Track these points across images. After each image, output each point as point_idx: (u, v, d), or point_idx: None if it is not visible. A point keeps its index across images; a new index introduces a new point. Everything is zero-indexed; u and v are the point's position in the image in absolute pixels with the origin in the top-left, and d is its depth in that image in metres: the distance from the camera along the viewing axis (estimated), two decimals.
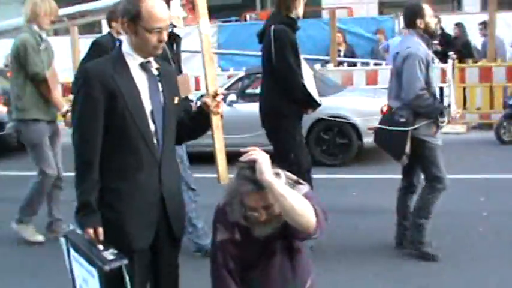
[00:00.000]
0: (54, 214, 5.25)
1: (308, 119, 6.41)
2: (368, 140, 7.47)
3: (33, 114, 4.97)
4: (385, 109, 7.29)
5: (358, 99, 8.33)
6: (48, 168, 5.01)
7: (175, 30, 4.49)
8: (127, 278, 2.48)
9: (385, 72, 8.96)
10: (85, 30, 15.02)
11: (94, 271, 2.45)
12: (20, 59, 4.94)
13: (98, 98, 2.51)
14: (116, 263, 2.42)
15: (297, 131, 4.68)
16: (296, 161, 4.50)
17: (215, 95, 2.70)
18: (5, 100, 9.10)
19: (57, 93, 5.14)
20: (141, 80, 2.62)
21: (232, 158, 2.70)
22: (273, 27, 4.49)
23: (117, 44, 4.09)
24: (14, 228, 5.17)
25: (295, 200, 2.39)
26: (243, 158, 2.50)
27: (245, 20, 16.31)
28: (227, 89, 8.38)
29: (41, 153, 5.01)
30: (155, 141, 2.63)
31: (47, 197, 5.19)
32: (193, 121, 2.84)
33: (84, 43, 10.48)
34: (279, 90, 4.51)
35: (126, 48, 2.64)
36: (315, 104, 4.67)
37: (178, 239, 2.85)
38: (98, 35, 6.94)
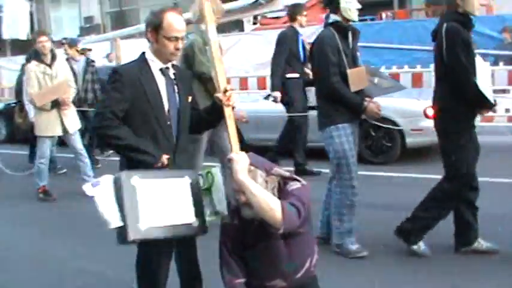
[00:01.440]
0: None
1: None
2: (412, 140, 7.70)
3: None
4: (429, 111, 7.45)
5: (402, 101, 8.32)
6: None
7: (352, 24, 4.63)
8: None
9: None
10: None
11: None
12: (188, 58, 5.22)
13: (125, 92, 3.09)
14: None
15: (465, 133, 4.41)
16: (454, 164, 4.37)
17: (225, 91, 3.19)
18: None
19: None
20: (161, 82, 3.20)
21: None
22: (445, 25, 4.34)
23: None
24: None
25: (261, 197, 2.74)
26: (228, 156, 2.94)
27: (380, 18, 16.52)
28: None
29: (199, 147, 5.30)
30: (171, 132, 3.23)
31: None
32: (210, 114, 3.38)
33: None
34: (450, 90, 4.36)
35: (149, 54, 3.23)
36: (488, 104, 4.40)
37: None
38: None
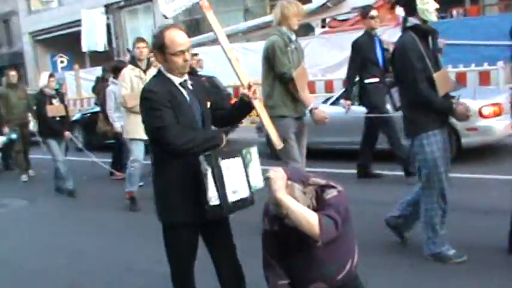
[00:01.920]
0: None
1: None
2: (467, 140, 7.51)
3: (281, 111, 5.21)
4: (484, 110, 7.43)
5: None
6: (293, 161, 5.22)
7: (430, 25, 4.46)
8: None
9: None
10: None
11: None
12: (269, 60, 5.21)
13: (165, 105, 3.20)
14: None
15: None
16: None
17: (249, 86, 3.41)
18: None
19: (304, 91, 5.35)
20: (184, 94, 3.31)
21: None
22: None
23: None
24: None
25: (299, 214, 2.86)
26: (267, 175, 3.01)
27: (451, 16, 16.23)
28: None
29: (286, 147, 5.09)
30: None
31: None
32: (238, 109, 3.54)
33: None
34: None
35: (165, 73, 3.32)
36: None
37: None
38: None
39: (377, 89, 7.02)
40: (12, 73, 10.33)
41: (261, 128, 9.35)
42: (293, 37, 5.30)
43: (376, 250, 4.75)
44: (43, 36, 28.85)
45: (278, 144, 3.77)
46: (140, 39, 7.47)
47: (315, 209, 2.99)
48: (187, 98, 3.31)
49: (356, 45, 7.31)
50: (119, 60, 12.18)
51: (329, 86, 12.60)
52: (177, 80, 3.30)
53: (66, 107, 8.98)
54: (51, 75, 8.88)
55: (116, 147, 9.51)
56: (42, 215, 7.76)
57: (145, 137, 6.45)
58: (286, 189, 2.96)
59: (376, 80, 7.09)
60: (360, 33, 7.55)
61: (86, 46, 23.97)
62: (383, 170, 7.52)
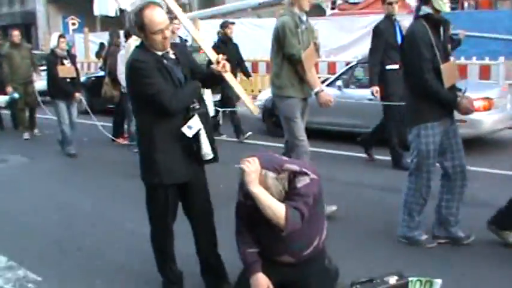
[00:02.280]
0: None
1: None
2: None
3: (288, 92, 5.23)
4: (474, 103, 7.22)
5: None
6: (298, 141, 5.25)
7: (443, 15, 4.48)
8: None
9: None
10: None
11: None
12: (279, 40, 5.19)
13: (154, 73, 3.39)
14: None
15: None
16: None
17: (217, 62, 3.64)
18: None
19: (312, 72, 5.31)
20: (167, 64, 3.47)
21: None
22: None
23: None
24: None
25: (268, 207, 3.11)
26: (239, 164, 3.20)
27: (462, 7, 16.23)
28: (341, 74, 9.19)
29: (292, 126, 5.28)
30: None
31: None
32: (212, 79, 3.77)
33: None
34: None
35: (148, 48, 3.47)
36: None
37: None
38: None
39: (397, 75, 6.77)
40: (16, 33, 10.43)
41: (259, 105, 9.52)
42: (304, 18, 5.29)
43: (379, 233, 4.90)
44: None
45: (254, 110, 4.09)
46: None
47: (286, 193, 3.21)
48: (171, 68, 3.50)
49: (378, 30, 7.18)
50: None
51: (332, 68, 12.71)
52: (159, 52, 3.48)
53: (77, 69, 9.12)
54: (61, 36, 9.00)
55: (118, 112, 9.69)
56: (40, 172, 8.01)
57: None
58: (260, 177, 3.16)
59: (397, 66, 6.90)
60: (369, 17, 7.39)
61: (97, 10, 23.89)
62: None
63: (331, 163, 7.48)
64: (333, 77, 9.42)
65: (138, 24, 3.41)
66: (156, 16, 3.37)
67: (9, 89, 10.22)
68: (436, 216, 4.69)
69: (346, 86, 8.86)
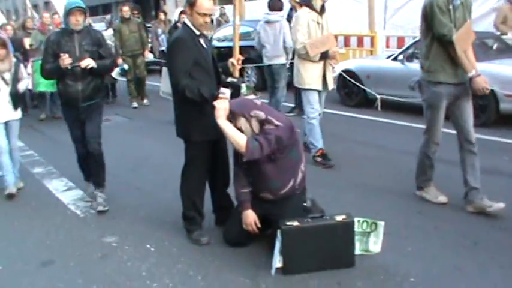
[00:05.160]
0: (470, 182, 4.85)
1: None
2: (505, 106, 7.60)
3: (437, 76, 4.74)
4: None
5: (497, 66, 7.85)
6: (434, 136, 4.93)
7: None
8: None
9: None
10: None
11: None
12: (427, 18, 4.71)
13: (189, 53, 4.19)
14: None
15: None
16: None
17: (238, 60, 4.67)
18: None
19: (467, 54, 4.71)
20: (203, 44, 4.30)
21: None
22: None
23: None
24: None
25: (231, 136, 3.86)
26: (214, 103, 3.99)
27: None
28: (406, 49, 9.23)
29: (433, 116, 4.84)
30: (212, 74, 4.37)
31: (461, 163, 4.90)
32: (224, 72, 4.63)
33: None
34: None
35: (189, 24, 4.27)
36: None
37: None
38: None
39: None
40: (125, 8, 11.24)
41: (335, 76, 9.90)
42: None
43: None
44: None
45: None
46: None
47: (257, 135, 3.91)
48: (206, 47, 4.31)
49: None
50: None
51: (400, 42, 12.55)
52: (197, 32, 4.27)
53: None
54: (182, 12, 9.72)
55: None
56: (133, 128, 9.32)
57: (320, 88, 6.44)
58: (231, 115, 3.94)
59: None
60: None
61: None
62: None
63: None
64: (398, 51, 9.58)
65: (190, 2, 4.18)
66: (206, 3, 4.17)
67: (120, 60, 10.79)
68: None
69: (410, 60, 8.90)
